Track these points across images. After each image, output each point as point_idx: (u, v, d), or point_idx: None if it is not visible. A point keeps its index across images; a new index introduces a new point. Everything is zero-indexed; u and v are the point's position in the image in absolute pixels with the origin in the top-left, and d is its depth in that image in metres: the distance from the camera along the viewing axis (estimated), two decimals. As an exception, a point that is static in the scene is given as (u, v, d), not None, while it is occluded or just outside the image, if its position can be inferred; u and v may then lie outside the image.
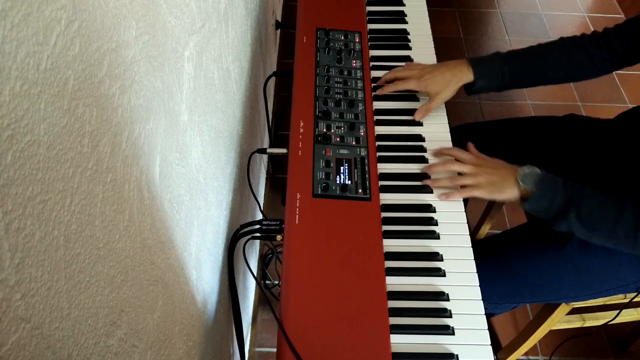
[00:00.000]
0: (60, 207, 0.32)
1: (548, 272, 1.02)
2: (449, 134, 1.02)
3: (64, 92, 0.31)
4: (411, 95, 1.08)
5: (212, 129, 0.74)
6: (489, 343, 0.75)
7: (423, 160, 0.97)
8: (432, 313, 0.77)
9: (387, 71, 1.10)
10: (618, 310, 1.14)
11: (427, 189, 0.92)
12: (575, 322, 1.23)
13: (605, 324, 1.18)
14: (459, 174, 0.93)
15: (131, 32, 0.41)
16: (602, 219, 0.84)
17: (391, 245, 0.84)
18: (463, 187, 0.91)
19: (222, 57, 0.80)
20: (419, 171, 0.95)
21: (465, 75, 1.03)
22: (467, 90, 1.08)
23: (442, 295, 0.79)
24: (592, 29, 2.47)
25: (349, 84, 1.05)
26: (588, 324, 1.23)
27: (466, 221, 0.89)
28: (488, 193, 0.89)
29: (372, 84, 1.09)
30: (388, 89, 1.06)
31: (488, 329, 0.76)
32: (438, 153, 0.97)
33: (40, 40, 0.28)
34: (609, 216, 0.84)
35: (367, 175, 0.90)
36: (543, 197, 0.86)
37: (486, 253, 1.06)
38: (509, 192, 0.88)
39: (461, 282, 0.81)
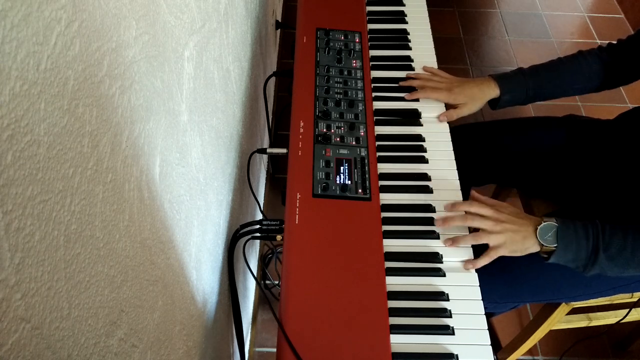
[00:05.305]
0: (60, 207, 0.32)
1: (548, 272, 1.02)
2: (449, 134, 1.02)
3: (64, 92, 0.31)
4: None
5: (212, 129, 0.74)
6: (489, 343, 0.75)
7: (423, 160, 0.97)
8: (432, 313, 0.77)
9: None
10: (622, 309, 1.14)
11: (427, 189, 0.92)
12: (577, 322, 1.23)
13: (617, 322, 1.17)
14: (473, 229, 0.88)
15: (131, 32, 0.41)
16: (633, 254, 0.83)
17: (391, 245, 0.84)
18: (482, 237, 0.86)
19: (222, 57, 0.80)
20: (419, 171, 0.95)
21: (492, 90, 1.07)
22: (491, 105, 1.11)
23: (442, 295, 0.79)
24: (592, 29, 2.47)
25: (349, 84, 1.05)
26: (594, 323, 1.23)
27: (466, 221, 0.88)
28: (510, 252, 0.86)
29: (372, 84, 1.09)
30: (419, 95, 1.07)
31: (488, 329, 0.76)
32: (452, 208, 0.89)
33: (40, 40, 0.28)
34: (639, 249, 0.83)
35: (367, 175, 0.90)
36: (566, 250, 0.84)
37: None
38: (531, 249, 0.86)
39: (461, 282, 0.81)
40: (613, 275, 0.86)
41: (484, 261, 0.84)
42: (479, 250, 0.87)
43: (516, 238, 0.85)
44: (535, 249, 0.85)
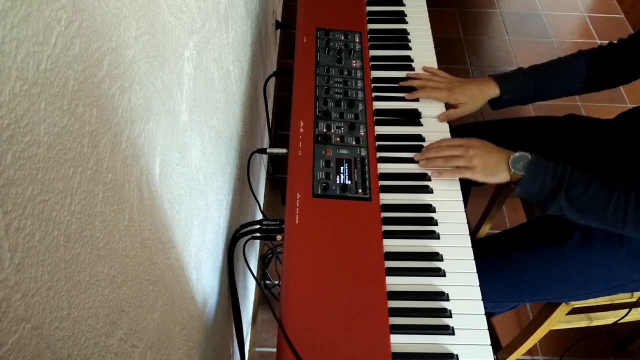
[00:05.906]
0: (60, 207, 0.32)
1: (548, 271, 1.02)
2: (449, 134, 1.02)
3: (64, 92, 0.31)
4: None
5: (212, 129, 0.74)
6: (489, 343, 0.75)
7: (423, 160, 0.97)
8: (432, 313, 0.77)
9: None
10: (622, 309, 1.14)
11: (427, 189, 0.92)
12: (577, 322, 1.23)
13: (617, 322, 1.17)
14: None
15: (131, 32, 0.41)
16: (592, 201, 0.86)
17: (391, 245, 0.84)
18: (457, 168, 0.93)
19: (222, 57, 0.80)
20: (419, 171, 0.95)
21: (492, 90, 1.08)
22: (492, 105, 1.12)
23: (442, 295, 0.79)
24: (592, 29, 2.47)
25: (349, 84, 1.05)
26: (594, 323, 1.23)
27: (466, 221, 0.89)
28: (481, 176, 0.92)
29: (372, 84, 1.09)
30: (419, 95, 1.08)
31: (488, 329, 0.76)
32: (428, 148, 0.97)
33: (40, 40, 0.28)
34: (600, 198, 0.85)
35: (367, 175, 0.90)
36: (533, 181, 0.88)
37: (486, 252, 1.06)
38: (501, 176, 0.91)
39: (461, 282, 0.81)
40: (571, 219, 0.90)
41: (450, 175, 0.93)
42: (477, 250, 0.87)
43: (488, 163, 0.91)
44: (504, 175, 0.91)
